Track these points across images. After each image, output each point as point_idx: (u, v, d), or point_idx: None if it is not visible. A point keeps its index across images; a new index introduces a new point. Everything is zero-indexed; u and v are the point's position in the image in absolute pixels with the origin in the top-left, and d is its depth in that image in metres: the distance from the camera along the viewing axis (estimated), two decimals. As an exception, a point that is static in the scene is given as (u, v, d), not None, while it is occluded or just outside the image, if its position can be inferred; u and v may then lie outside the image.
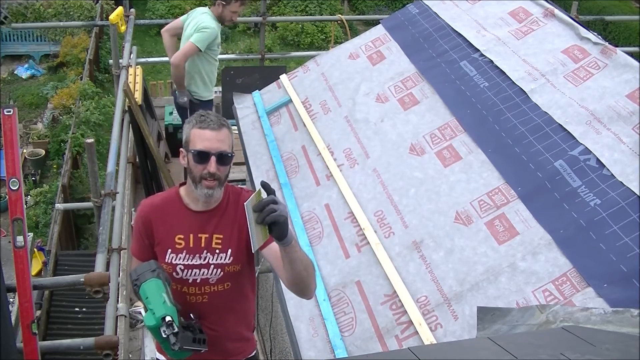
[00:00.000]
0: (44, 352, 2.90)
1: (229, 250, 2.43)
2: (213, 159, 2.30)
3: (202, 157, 2.31)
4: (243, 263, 2.47)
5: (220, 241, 2.43)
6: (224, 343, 2.55)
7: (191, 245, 2.43)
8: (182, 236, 2.43)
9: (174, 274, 2.42)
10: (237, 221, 2.43)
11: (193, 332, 2.32)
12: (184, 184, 2.49)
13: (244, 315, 2.63)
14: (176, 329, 2.17)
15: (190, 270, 2.43)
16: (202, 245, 2.43)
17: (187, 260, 2.43)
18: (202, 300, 2.48)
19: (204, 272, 2.44)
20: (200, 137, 2.32)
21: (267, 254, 2.42)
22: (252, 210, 2.07)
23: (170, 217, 2.45)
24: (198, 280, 2.45)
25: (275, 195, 2.10)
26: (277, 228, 2.10)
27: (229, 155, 2.35)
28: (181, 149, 2.41)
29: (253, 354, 2.72)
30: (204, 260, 2.43)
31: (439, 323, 2.89)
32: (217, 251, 2.43)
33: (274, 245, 2.31)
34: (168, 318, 2.17)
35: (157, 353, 2.70)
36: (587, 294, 2.64)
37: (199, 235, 2.43)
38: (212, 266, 2.43)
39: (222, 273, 2.44)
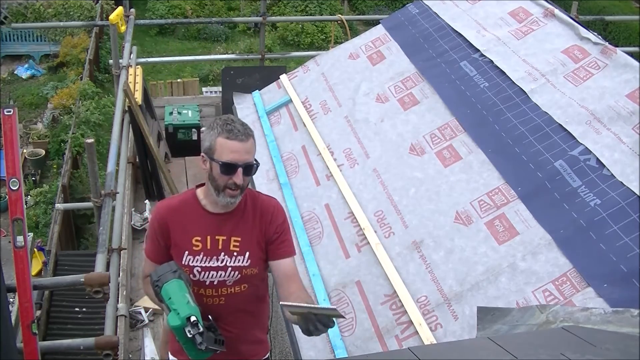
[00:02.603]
0: (44, 352, 2.90)
1: (247, 253, 2.42)
2: (240, 170, 2.28)
3: (229, 168, 2.28)
4: (260, 266, 2.47)
5: (238, 244, 2.42)
6: (239, 345, 2.54)
7: (208, 247, 2.42)
8: (199, 238, 2.42)
9: (191, 276, 2.41)
10: (255, 225, 2.43)
11: (214, 333, 2.33)
12: (200, 185, 2.48)
13: (259, 318, 2.63)
14: (201, 329, 2.17)
15: (207, 273, 2.43)
16: (220, 247, 2.42)
17: (205, 262, 2.42)
18: (219, 302, 2.47)
19: (221, 274, 2.43)
20: (228, 148, 2.28)
21: (275, 269, 2.44)
22: (317, 315, 2.06)
23: (187, 219, 2.44)
24: (215, 282, 2.44)
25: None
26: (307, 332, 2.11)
27: (255, 165, 2.35)
28: (202, 153, 2.37)
29: (266, 356, 2.72)
30: (222, 262, 2.42)
31: (439, 323, 2.89)
32: (235, 254, 2.42)
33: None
34: (193, 318, 2.17)
35: (171, 356, 2.68)
36: (587, 294, 2.64)
37: (216, 237, 2.42)
38: (230, 268, 2.43)
39: (239, 275, 2.44)
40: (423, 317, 2.93)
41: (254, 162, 2.34)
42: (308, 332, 2.08)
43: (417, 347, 1.66)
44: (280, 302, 2.17)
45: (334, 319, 2.09)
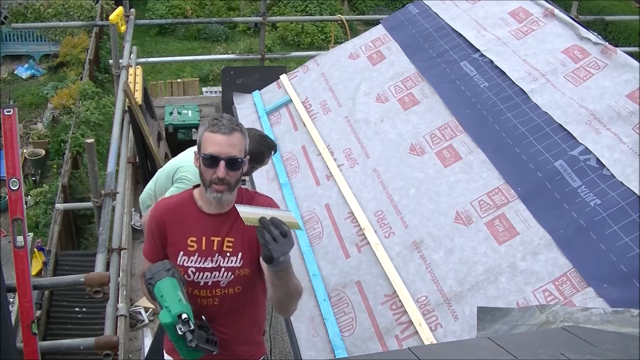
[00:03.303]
0: (44, 352, 2.90)
1: (239, 254, 2.42)
2: (222, 163, 2.28)
3: (212, 161, 2.29)
4: (253, 267, 2.47)
5: (231, 244, 2.42)
6: (234, 346, 2.54)
7: (203, 248, 2.42)
8: (194, 239, 2.42)
9: (186, 276, 2.42)
10: (248, 225, 2.43)
11: (206, 332, 2.33)
12: (198, 186, 2.48)
13: (254, 319, 2.62)
14: (192, 327, 2.18)
15: (201, 273, 2.43)
16: (214, 248, 2.42)
17: (199, 263, 2.42)
18: (213, 303, 2.47)
19: (215, 275, 2.43)
20: (211, 141, 2.30)
21: (265, 265, 2.42)
22: (270, 220, 2.05)
23: (184, 219, 2.44)
24: (209, 283, 2.44)
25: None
26: (266, 252, 2.08)
27: (239, 160, 2.32)
28: (194, 151, 2.39)
29: (262, 358, 2.71)
30: (215, 263, 2.42)
31: (439, 323, 2.89)
32: (228, 254, 2.42)
33: None
34: (184, 315, 2.18)
35: (166, 355, 2.68)
36: (587, 294, 2.64)
37: (212, 238, 2.42)
38: (223, 269, 2.43)
39: (232, 276, 2.44)
40: (423, 317, 2.93)
41: (239, 157, 2.32)
42: (267, 250, 2.05)
43: (417, 347, 1.66)
44: (235, 204, 2.13)
45: (293, 229, 2.07)
